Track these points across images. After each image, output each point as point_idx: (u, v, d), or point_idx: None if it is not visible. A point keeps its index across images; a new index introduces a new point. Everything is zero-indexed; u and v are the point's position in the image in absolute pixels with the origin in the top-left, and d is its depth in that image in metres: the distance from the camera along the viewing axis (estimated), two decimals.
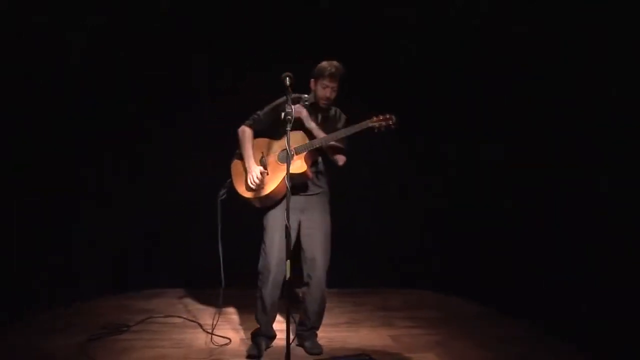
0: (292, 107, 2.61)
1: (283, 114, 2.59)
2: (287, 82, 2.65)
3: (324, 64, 2.94)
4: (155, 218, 4.33)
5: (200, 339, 3.27)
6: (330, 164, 3.10)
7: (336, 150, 3.01)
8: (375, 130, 2.86)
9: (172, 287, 4.41)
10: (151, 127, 4.27)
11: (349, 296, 4.30)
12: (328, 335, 3.35)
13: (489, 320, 3.73)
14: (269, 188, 2.92)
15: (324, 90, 2.94)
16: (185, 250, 4.33)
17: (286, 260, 2.50)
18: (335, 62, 2.93)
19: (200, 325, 3.47)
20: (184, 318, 3.65)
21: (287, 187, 2.52)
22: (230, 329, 3.45)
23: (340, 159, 3.05)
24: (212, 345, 3.13)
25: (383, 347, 3.18)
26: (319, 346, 3.09)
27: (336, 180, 4.26)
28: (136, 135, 4.23)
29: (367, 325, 3.58)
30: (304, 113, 2.94)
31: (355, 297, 4.27)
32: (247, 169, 2.98)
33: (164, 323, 3.56)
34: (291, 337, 2.55)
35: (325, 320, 3.61)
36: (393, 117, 2.86)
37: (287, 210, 2.51)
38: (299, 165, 2.88)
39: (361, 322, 3.65)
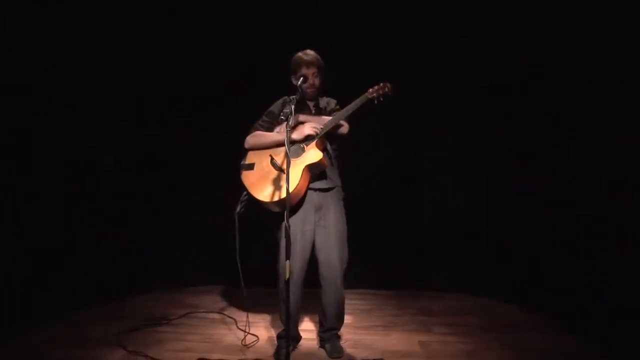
0: (293, 107, 2.61)
1: (281, 113, 2.58)
2: (299, 82, 2.72)
3: (297, 54, 2.95)
4: (215, 217, 4.43)
5: (230, 335, 3.37)
6: (338, 140, 3.03)
7: (337, 127, 2.94)
8: (375, 102, 2.84)
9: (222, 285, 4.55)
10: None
11: (394, 299, 4.19)
12: (356, 337, 3.31)
13: (534, 330, 3.42)
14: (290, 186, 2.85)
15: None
16: (239, 249, 4.41)
17: (285, 260, 2.50)
18: (307, 50, 2.95)
19: (236, 322, 3.57)
20: (224, 314, 3.78)
21: (287, 185, 2.51)
22: (262, 327, 3.51)
23: (343, 129, 2.96)
24: (239, 342, 3.21)
25: (407, 352, 3.06)
26: (340, 349, 3.04)
27: (379, 179, 4.21)
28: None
29: (401, 330, 3.46)
30: (299, 117, 2.87)
31: (400, 300, 4.14)
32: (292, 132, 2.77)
33: (203, 318, 3.71)
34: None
35: (360, 323, 3.60)
36: (388, 84, 2.82)
37: (287, 210, 2.50)
38: (313, 154, 2.82)
39: (396, 326, 3.54)
